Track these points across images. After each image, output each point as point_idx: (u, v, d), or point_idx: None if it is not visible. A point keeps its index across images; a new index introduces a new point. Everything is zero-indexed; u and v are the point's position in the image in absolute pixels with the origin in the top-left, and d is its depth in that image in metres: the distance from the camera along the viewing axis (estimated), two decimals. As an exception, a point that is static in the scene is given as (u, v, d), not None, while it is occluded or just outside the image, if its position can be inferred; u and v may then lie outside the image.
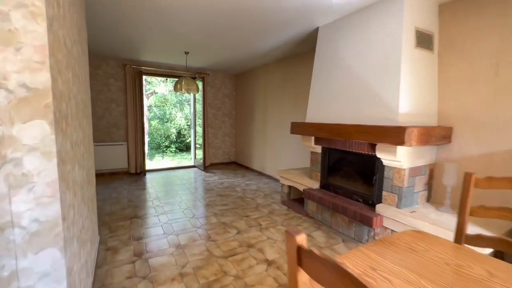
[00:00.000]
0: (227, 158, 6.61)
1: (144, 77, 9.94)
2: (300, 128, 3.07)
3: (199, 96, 6.01)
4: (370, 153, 2.41)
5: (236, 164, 6.57)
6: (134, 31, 3.34)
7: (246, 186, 4.60)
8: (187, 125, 12.86)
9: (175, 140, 13.20)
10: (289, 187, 3.69)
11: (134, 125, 5.21)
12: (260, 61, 4.88)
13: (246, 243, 2.51)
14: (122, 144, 5.23)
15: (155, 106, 12.70)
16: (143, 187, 4.44)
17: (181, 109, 12.15)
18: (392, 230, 2.24)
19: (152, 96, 11.42)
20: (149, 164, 8.67)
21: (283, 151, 4.73)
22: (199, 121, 6.13)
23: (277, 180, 4.92)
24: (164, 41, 3.75)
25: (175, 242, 2.52)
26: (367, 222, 2.30)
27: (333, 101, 2.82)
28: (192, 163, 6.32)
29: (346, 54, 2.71)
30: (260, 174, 5.50)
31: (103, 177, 5.04)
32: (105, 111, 5.07)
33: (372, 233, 2.43)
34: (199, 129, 6.15)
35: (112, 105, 5.13)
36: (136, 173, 5.34)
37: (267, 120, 5.21)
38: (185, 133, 13.10)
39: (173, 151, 12.76)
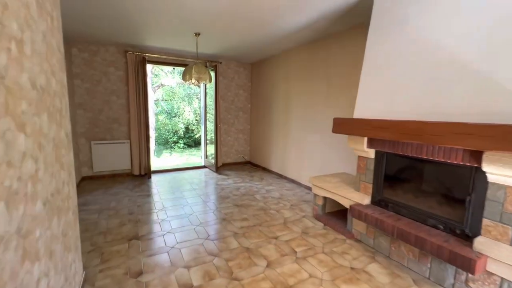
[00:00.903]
0: (241, 158, 5.94)
1: (149, 67, 9.33)
2: (348, 126, 2.34)
3: (210, 88, 5.32)
4: (466, 163, 1.67)
5: (251, 165, 5.89)
6: (134, 7, 2.64)
7: (266, 192, 3.92)
8: (196, 120, 12.23)
9: (183, 135, 12.64)
10: (325, 198, 2.98)
11: (137, 120, 4.57)
12: (282, 45, 4.13)
13: (281, 285, 1.83)
14: (125, 143, 4.61)
15: (162, 100, 12.11)
16: (147, 193, 3.81)
17: (190, 103, 11.52)
18: (505, 280, 1.52)
19: (159, 89, 10.80)
20: (155, 163, 8.11)
21: (311, 152, 4.01)
22: (210, 116, 5.45)
23: (301, 185, 4.21)
24: (171, 19, 3.04)
25: (186, 280, 1.86)
26: (464, 264, 1.58)
27: (400, 89, 2.07)
28: (202, 163, 5.68)
29: (424, 22, 1.95)
30: (280, 177, 4.80)
31: (103, 180, 4.44)
32: (105, 104, 4.44)
33: (463, 277, 1.71)
34: (210, 125, 5.47)
35: (112, 97, 4.49)
36: (140, 175, 4.73)
37: (290, 115, 4.48)
38: (193, 129, 12.49)
39: (181, 147, 12.22)
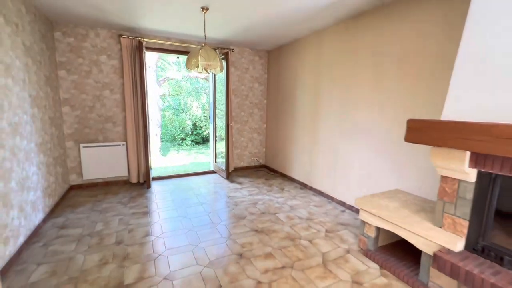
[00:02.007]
0: (255, 161, 5.16)
1: (153, 58, 8.56)
2: (437, 133, 1.52)
3: (220, 80, 4.54)
4: None
5: (267, 169, 5.11)
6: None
7: (291, 210, 3.14)
8: (204, 116, 11.50)
9: (190, 132, 11.97)
10: (378, 228, 2.17)
11: (135, 119, 3.85)
12: (313, 23, 3.29)
13: None
14: (120, 145, 3.91)
15: (169, 95, 11.44)
16: (144, 209, 3.10)
17: (197, 98, 10.79)
18: None
19: (165, 83, 10.09)
20: (161, 163, 7.45)
21: (348, 159, 3.19)
22: (220, 112, 4.68)
23: (332, 200, 3.41)
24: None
25: None
26: None
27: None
28: (210, 167, 4.94)
29: None
30: (304, 187, 4.01)
31: (95, 189, 3.76)
32: (96, 100, 3.73)
33: None
34: (220, 123, 4.71)
35: (105, 92, 3.77)
36: (139, 183, 4.03)
37: (320, 113, 3.66)
38: (201, 125, 11.80)
39: (189, 144, 11.57)
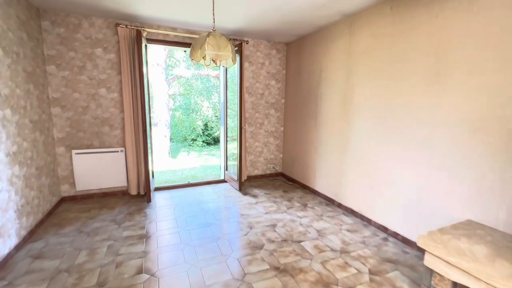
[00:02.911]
0: (271, 169, 4.56)
1: (161, 54, 8.10)
2: None
3: (232, 77, 3.96)
4: None
5: (285, 178, 4.50)
6: None
7: (319, 237, 2.52)
8: (215, 116, 11.02)
9: (201, 133, 11.54)
10: (455, 283, 1.52)
11: (134, 121, 3.34)
12: (345, 4, 2.65)
13: None
14: (118, 151, 3.41)
15: (179, 94, 11.03)
16: (140, 231, 2.57)
17: (208, 98, 10.30)
18: None
19: (175, 82, 9.66)
20: (168, 166, 6.98)
21: (394, 174, 2.53)
22: (232, 113, 4.11)
23: (370, 223, 2.76)
24: None
25: None
26: None
27: None
28: (221, 175, 4.38)
29: None
30: (331, 202, 3.37)
31: (90, 202, 3.28)
32: (91, 99, 3.25)
33: None
34: (231, 124, 4.14)
35: (101, 90, 3.29)
36: (139, 195, 3.52)
37: (353, 115, 3.01)
38: (212, 126, 11.32)
39: (199, 145, 11.14)
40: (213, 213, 3.02)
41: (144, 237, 2.44)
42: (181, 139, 11.90)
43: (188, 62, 9.16)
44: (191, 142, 11.37)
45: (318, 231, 2.62)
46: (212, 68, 2.38)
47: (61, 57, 3.05)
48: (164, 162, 8.18)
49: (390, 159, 2.54)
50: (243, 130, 3.68)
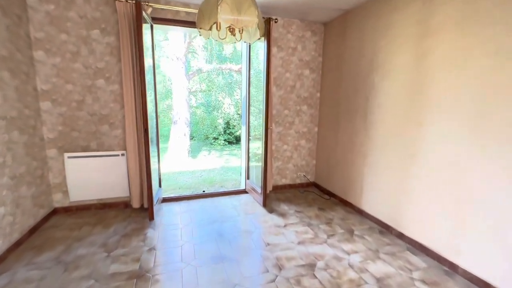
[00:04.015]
0: (301, 177, 3.77)
1: (179, 46, 7.43)
2: None
3: (257, 66, 3.22)
4: None
5: (318, 189, 3.68)
6: None
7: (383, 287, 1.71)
8: (238, 114, 10.39)
9: (223, 131, 11.00)
10: None
11: (136, 119, 2.73)
12: None
13: None
14: (119, 155, 2.84)
15: (200, 91, 10.55)
16: (133, 266, 1.93)
17: (230, 94, 9.67)
18: None
19: (196, 77, 9.14)
20: (187, 166, 6.45)
21: (504, 200, 1.63)
22: (255, 110, 3.38)
23: (456, 271, 1.87)
24: None
25: None
26: None
27: None
28: (241, 183, 3.67)
29: None
30: (385, 228, 2.51)
31: (85, 215, 2.74)
32: (86, 92, 2.70)
33: None
34: (255, 121, 3.40)
35: (99, 81, 2.72)
36: (143, 208, 2.92)
37: (429, 113, 2.13)
38: (234, 124, 10.72)
39: (221, 144, 10.61)
40: (230, 240, 2.32)
41: (136, 277, 1.80)
42: (203, 138, 11.47)
43: (206, 51, 8.53)
44: (212, 141, 10.89)
45: (378, 279, 1.81)
46: (229, 43, 1.64)
47: (50, 41, 2.51)
48: (183, 162, 7.72)
49: (491, 177, 1.65)
50: (269, 131, 2.93)
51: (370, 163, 2.72)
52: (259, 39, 1.71)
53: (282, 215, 2.84)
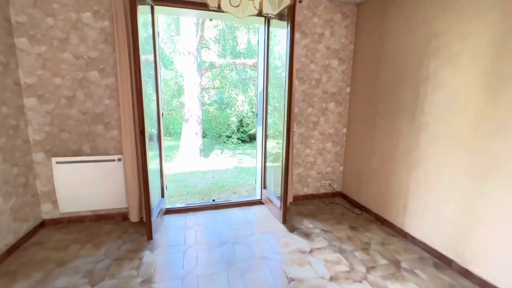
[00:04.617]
0: (326, 186, 3.24)
1: (190, 39, 6.92)
2: None
3: (276, 55, 2.71)
4: None
5: (345, 200, 3.14)
6: None
7: None
8: (252, 111, 9.91)
9: (236, 129, 10.58)
10: None
11: (133, 119, 2.31)
12: None
13: None
14: (115, 160, 2.44)
15: (213, 88, 10.16)
16: (120, 305, 1.52)
17: (244, 91, 9.19)
18: None
19: (208, 72, 8.73)
20: (198, 167, 6.07)
21: None
22: (273, 108, 2.88)
23: None
24: None
25: None
26: None
27: None
28: (257, 194, 3.19)
29: None
30: (442, 261, 1.95)
31: (77, 229, 2.36)
32: (78, 87, 2.30)
33: None
34: (273, 121, 2.91)
35: (92, 73, 2.32)
36: (142, 221, 2.51)
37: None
38: (248, 122, 10.26)
39: (234, 142, 10.22)
40: (243, 271, 1.85)
41: (119, 327, 1.37)
42: (215, 136, 11.12)
43: (218, 43, 8.07)
44: (225, 139, 10.52)
45: None
46: (244, 17, 1.13)
47: (35, 26, 2.13)
48: (195, 162, 7.37)
49: None
50: (291, 133, 2.42)
51: (419, 176, 2.16)
52: (286, 4, 1.21)
53: (306, 235, 2.34)
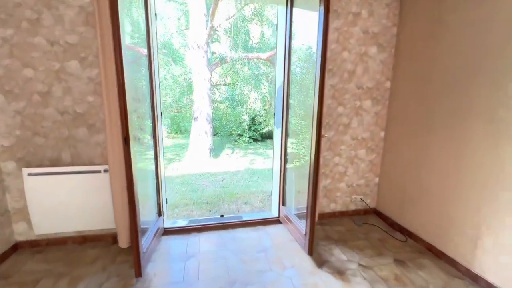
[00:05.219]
0: (357, 201, 2.67)
1: (199, 32, 6.20)
2: None
3: (301, 41, 2.16)
4: None
5: (379, 218, 2.56)
6: None
7: None
8: (264, 109, 9.37)
9: (248, 128, 10.10)
10: None
11: (116, 118, 1.83)
12: None
13: None
14: (100, 172, 1.98)
15: (224, 84, 9.69)
16: None
17: (257, 87, 8.65)
18: None
19: (219, 67, 8.24)
20: (208, 168, 5.63)
21: None
22: (297, 107, 2.33)
23: None
24: None
25: None
26: None
27: None
28: (272, 209, 2.67)
29: None
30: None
31: (55, 255, 1.93)
32: (53, 80, 1.85)
33: None
34: (296, 123, 2.36)
35: (70, 63, 1.86)
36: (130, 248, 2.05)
37: None
38: (260, 121, 9.74)
39: (246, 141, 9.75)
40: (259, 334, 1.34)
41: None
42: (226, 134, 10.69)
43: (229, 35, 7.53)
44: (236, 138, 10.07)
45: None
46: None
47: (-3, 3, 1.69)
48: (204, 163, 6.94)
49: None
50: (322, 139, 1.87)
51: (502, 202, 1.57)
52: None
53: (340, 273, 1.80)
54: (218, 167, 6.52)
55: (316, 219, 2.36)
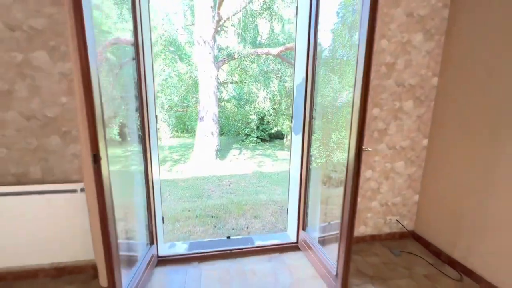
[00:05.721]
0: (393, 223, 2.21)
1: (206, 27, 5.68)
2: None
3: (330, 26, 1.71)
4: None
5: (420, 244, 2.09)
6: None
7: None
8: (273, 108, 8.91)
9: (256, 128, 9.69)
10: None
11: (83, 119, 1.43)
12: None
13: None
14: (76, 191, 1.58)
15: (231, 82, 9.27)
16: None
17: (266, 85, 8.18)
18: None
19: (226, 64, 7.82)
20: (214, 170, 5.26)
21: None
22: (324, 108, 1.87)
23: None
24: None
25: None
26: None
27: None
28: (290, 234, 2.22)
29: None
30: None
31: (20, 294, 1.56)
32: (16, 76, 1.46)
33: None
34: (322, 129, 1.90)
35: (37, 54, 1.46)
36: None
37: None
38: (269, 120, 9.29)
39: (253, 141, 9.35)
40: None
41: None
42: (233, 134, 10.30)
43: (237, 27, 7.10)
44: (244, 138, 9.67)
45: None
46: None
47: None
48: (210, 165, 6.55)
49: None
50: (362, 154, 1.42)
51: None
52: None
53: (384, 331, 1.35)
54: (225, 170, 6.14)
55: (345, 248, 1.91)
